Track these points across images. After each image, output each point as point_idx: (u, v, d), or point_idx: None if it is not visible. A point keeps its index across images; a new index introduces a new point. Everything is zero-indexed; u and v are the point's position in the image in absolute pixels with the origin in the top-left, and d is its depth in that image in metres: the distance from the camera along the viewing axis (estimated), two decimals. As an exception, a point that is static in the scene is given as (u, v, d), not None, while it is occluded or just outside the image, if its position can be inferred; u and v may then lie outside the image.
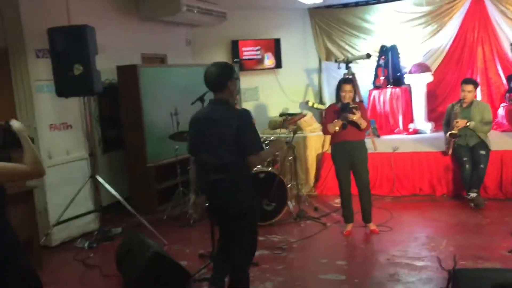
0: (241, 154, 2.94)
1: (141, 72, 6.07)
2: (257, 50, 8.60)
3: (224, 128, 2.95)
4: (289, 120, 5.86)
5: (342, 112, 4.76)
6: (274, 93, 8.78)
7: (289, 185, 5.59)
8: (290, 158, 5.86)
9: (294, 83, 8.94)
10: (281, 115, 7.14)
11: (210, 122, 3.03)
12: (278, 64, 8.72)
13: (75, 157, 5.44)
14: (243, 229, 3.07)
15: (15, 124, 2.26)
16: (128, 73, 6.09)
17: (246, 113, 3.05)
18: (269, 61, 8.69)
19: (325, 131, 4.93)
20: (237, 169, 2.97)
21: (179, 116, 5.89)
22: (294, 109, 8.49)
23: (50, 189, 5.11)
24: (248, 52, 8.55)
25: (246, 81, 8.35)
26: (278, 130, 6.79)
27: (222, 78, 3.06)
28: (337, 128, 4.76)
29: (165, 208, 6.05)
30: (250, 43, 8.57)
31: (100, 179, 5.21)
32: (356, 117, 4.67)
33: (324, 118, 4.93)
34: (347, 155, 4.83)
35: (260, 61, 8.64)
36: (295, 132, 5.49)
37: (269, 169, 5.34)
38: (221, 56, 8.46)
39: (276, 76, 8.79)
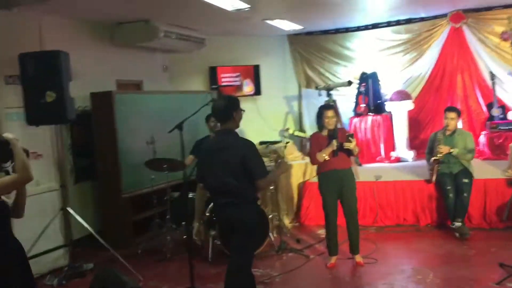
0: (249, 179, 3.30)
1: (116, 98, 6.01)
2: (236, 77, 8.62)
3: (230, 156, 3.32)
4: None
5: (330, 139, 4.77)
6: (253, 120, 8.74)
7: (270, 216, 5.55)
8: (271, 187, 5.83)
9: (273, 110, 8.96)
10: (261, 143, 7.12)
11: (218, 150, 3.39)
12: (257, 91, 8.75)
13: (45, 188, 5.30)
14: (250, 241, 3.48)
15: (8, 135, 2.65)
16: (102, 99, 6.02)
17: (250, 142, 3.42)
18: (248, 87, 8.71)
19: (313, 161, 4.88)
20: (242, 193, 3.34)
21: (156, 145, 5.83)
22: (273, 136, 8.50)
23: (18, 223, 4.92)
24: (226, 78, 8.57)
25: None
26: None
27: (229, 109, 3.44)
28: (326, 157, 4.75)
29: (141, 241, 5.91)
30: (228, 69, 8.60)
31: (71, 211, 5.07)
32: (352, 145, 4.70)
33: (310, 147, 4.89)
34: (337, 184, 4.83)
35: (239, 87, 8.65)
36: (276, 161, 5.46)
37: None
38: (199, 82, 8.45)
39: (256, 103, 8.81)
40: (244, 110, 3.59)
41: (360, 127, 8.25)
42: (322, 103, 7.15)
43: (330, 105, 4.98)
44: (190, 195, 5.39)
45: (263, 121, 8.80)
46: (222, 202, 3.40)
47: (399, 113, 7.98)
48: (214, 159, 3.41)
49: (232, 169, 3.31)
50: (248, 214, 3.37)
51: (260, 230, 3.75)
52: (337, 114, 4.93)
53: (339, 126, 5.62)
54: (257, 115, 8.82)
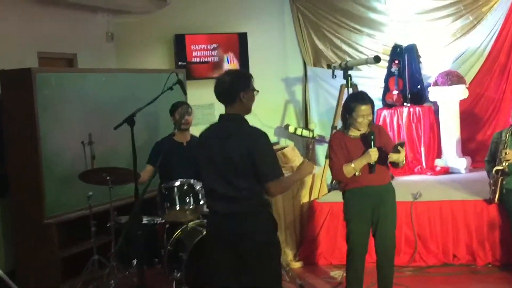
0: (257, 180, 3.58)
1: (38, 79, 5.94)
2: (212, 50, 8.58)
3: (233, 149, 3.60)
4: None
5: (365, 146, 4.72)
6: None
7: None
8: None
9: (267, 98, 8.83)
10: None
11: (219, 141, 3.68)
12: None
13: None
14: (268, 270, 3.70)
15: None
16: (17, 80, 5.96)
17: (260, 131, 3.67)
18: (230, 65, 8.67)
19: (339, 175, 4.83)
20: (252, 200, 3.64)
21: (95, 146, 5.79)
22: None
23: None
24: (199, 52, 8.52)
25: (196, 95, 8.28)
26: None
27: (235, 88, 3.68)
28: (358, 172, 4.72)
29: (72, 287, 5.86)
30: (202, 39, 8.55)
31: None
32: (402, 157, 4.67)
33: (332, 154, 4.83)
34: (371, 207, 4.82)
35: (218, 65, 8.61)
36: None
37: None
38: (159, 57, 8.39)
39: (241, 88, 8.76)
40: (257, 91, 3.79)
41: (391, 123, 8.26)
42: (337, 88, 7.16)
43: (366, 96, 4.88)
44: (145, 220, 5.36)
45: (252, 114, 8.74)
46: (223, 211, 3.69)
47: (448, 103, 7.98)
48: (213, 152, 3.70)
49: (237, 167, 3.59)
50: (262, 227, 3.66)
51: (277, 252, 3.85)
52: (373, 109, 4.87)
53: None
54: (243, 105, 8.79)
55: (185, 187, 5.25)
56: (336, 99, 7.50)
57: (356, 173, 4.72)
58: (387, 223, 4.89)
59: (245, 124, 3.73)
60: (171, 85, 4.93)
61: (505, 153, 5.69)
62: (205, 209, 5.31)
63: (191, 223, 5.32)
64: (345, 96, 7.03)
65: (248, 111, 3.81)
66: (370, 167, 4.70)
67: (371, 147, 4.67)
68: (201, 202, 5.23)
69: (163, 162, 5.69)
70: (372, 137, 4.69)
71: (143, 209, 5.25)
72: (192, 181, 5.26)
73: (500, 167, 5.73)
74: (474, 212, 6.21)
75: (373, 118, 4.90)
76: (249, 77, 3.83)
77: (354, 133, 4.83)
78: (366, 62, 7.43)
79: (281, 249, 4.11)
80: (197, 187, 5.24)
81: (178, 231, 5.28)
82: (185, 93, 5.42)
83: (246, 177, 3.60)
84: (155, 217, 5.50)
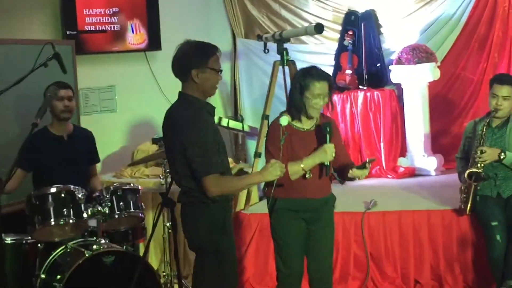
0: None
1: None
2: (112, 15, 8.39)
3: (171, 136, 4.18)
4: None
5: (319, 141, 4.66)
6: (146, 99, 8.64)
7: (163, 275, 5.62)
8: (167, 224, 5.81)
9: (184, 78, 8.87)
10: (154, 141, 6.99)
11: (167, 126, 4.25)
12: (154, 43, 8.62)
13: None
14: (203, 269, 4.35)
15: None
16: None
17: (194, 114, 4.09)
18: (136, 36, 8.54)
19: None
20: (193, 193, 4.18)
21: None
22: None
23: None
24: (94, 18, 8.31)
25: (91, 75, 8.14)
26: (146, 169, 6.81)
27: (185, 62, 4.12)
28: (308, 174, 4.65)
29: None
30: (98, 0, 8.36)
31: None
32: (365, 174, 4.70)
33: (273, 149, 4.71)
34: (306, 223, 4.81)
35: (119, 35, 8.44)
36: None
37: (125, 247, 5.24)
38: (40, 25, 8.17)
39: (150, 65, 8.72)
40: (220, 70, 4.21)
41: (343, 110, 8.30)
42: (271, 64, 7.07)
43: (321, 72, 4.77)
44: (10, 239, 5.21)
45: (164, 98, 8.67)
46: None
47: (414, 86, 8.04)
48: (165, 139, 4.36)
49: (179, 156, 4.13)
50: (194, 224, 4.30)
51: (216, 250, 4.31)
52: (331, 91, 4.79)
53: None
54: (153, 87, 8.71)
55: (63, 195, 5.08)
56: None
57: (307, 175, 4.67)
58: (326, 241, 4.90)
59: (186, 105, 4.16)
60: (45, 61, 4.83)
61: (480, 152, 5.70)
62: (91, 224, 5.23)
63: (71, 242, 5.19)
64: (280, 77, 7.02)
65: (206, 93, 4.22)
66: (322, 169, 4.65)
67: (326, 142, 4.59)
68: (84, 214, 5.10)
69: (36, 162, 5.56)
70: (328, 129, 4.62)
71: (11, 224, 5.16)
72: (72, 187, 5.12)
73: (473, 170, 5.73)
74: (442, 225, 6.24)
75: (331, 102, 4.82)
76: (209, 52, 4.15)
77: (303, 124, 4.77)
78: (306, 32, 7.32)
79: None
80: (79, 195, 5.10)
81: (55, 253, 5.15)
82: (64, 71, 5.27)
83: (185, 167, 4.12)
84: (25, 235, 5.33)
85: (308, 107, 4.67)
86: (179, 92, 4.25)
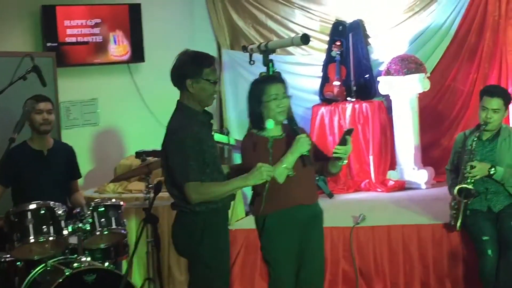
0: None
1: None
2: (93, 27, 8.40)
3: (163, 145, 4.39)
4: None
5: (290, 134, 4.66)
6: (129, 112, 8.64)
7: None
8: (149, 240, 5.80)
9: (168, 91, 8.74)
10: (137, 155, 7.02)
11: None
12: (137, 54, 8.66)
13: None
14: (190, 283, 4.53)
15: None
16: None
17: (180, 126, 4.27)
18: (118, 48, 8.56)
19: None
20: (176, 201, 4.41)
21: None
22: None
23: None
24: (75, 30, 8.33)
25: (72, 88, 8.15)
26: (129, 184, 6.81)
27: (181, 72, 4.31)
28: (291, 171, 4.59)
29: None
30: (79, 11, 8.36)
31: None
32: (349, 149, 4.63)
33: (247, 161, 4.69)
34: (298, 234, 4.76)
35: (101, 47, 8.46)
36: (159, 189, 5.32)
37: (106, 264, 5.20)
38: (19, 37, 8.18)
39: (134, 78, 8.73)
40: (215, 82, 4.36)
41: (330, 124, 8.31)
42: (255, 77, 7.06)
43: (275, 76, 4.97)
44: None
45: (147, 111, 8.68)
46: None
47: (404, 98, 8.08)
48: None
49: (164, 165, 4.44)
50: (175, 232, 4.52)
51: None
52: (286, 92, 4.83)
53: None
54: (136, 100, 8.72)
55: (42, 211, 5.06)
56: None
57: (290, 173, 4.61)
58: (315, 258, 4.85)
59: (178, 115, 4.39)
60: (24, 73, 4.86)
61: (470, 167, 5.72)
62: (72, 241, 5.23)
63: (51, 260, 5.18)
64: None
65: (201, 103, 4.37)
66: (304, 159, 4.60)
67: (298, 134, 4.60)
68: (65, 231, 5.09)
69: (15, 178, 5.58)
70: (294, 122, 4.69)
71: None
72: (52, 203, 5.11)
73: (463, 186, 5.74)
74: (432, 239, 6.26)
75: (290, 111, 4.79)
76: (205, 63, 4.29)
77: (272, 132, 4.72)
78: (292, 42, 7.34)
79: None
80: (59, 211, 5.09)
81: (34, 271, 5.14)
82: (43, 84, 5.30)
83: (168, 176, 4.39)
84: (3, 252, 5.32)
85: (271, 112, 4.65)
86: (177, 101, 4.45)
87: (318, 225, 4.91)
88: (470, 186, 5.71)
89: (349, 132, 4.74)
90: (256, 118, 4.74)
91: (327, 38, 8.71)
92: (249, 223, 6.73)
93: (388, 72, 8.15)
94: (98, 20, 8.47)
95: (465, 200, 5.79)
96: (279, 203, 4.69)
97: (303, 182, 4.72)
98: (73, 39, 8.35)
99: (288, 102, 4.72)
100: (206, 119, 4.47)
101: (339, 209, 6.94)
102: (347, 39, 8.53)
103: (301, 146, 4.54)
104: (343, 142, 4.64)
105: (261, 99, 4.67)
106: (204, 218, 4.35)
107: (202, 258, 4.36)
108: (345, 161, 4.74)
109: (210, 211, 4.36)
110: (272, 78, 5.08)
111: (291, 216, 4.72)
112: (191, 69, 4.28)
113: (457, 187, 5.77)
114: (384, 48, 8.58)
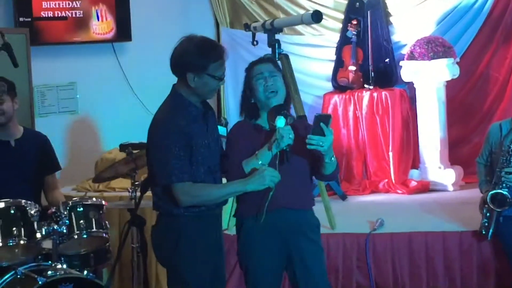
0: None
1: None
2: (72, 0, 8.38)
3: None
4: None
5: (272, 120, 4.51)
6: (113, 98, 8.64)
7: None
8: (135, 245, 5.80)
9: (159, 76, 8.73)
10: (122, 147, 6.98)
11: None
12: (123, 33, 8.67)
13: None
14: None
15: None
16: None
17: (163, 117, 4.26)
18: (102, 24, 8.54)
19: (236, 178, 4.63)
20: (160, 201, 4.39)
21: None
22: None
23: None
24: (52, 3, 8.31)
25: (48, 69, 8.14)
26: (112, 181, 6.84)
27: (182, 62, 4.20)
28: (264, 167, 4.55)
29: None
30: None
31: None
32: (329, 141, 4.46)
33: (231, 152, 4.64)
34: (280, 243, 4.71)
35: (81, 23, 8.46)
36: (146, 188, 5.30)
37: (85, 272, 5.16)
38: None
39: (119, 60, 8.73)
40: (221, 78, 4.26)
41: (345, 114, 8.32)
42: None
43: (264, 56, 4.90)
44: None
45: (134, 97, 8.67)
46: None
47: (429, 86, 8.06)
48: None
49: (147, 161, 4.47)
50: (156, 234, 4.48)
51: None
52: (283, 74, 4.80)
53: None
54: (121, 84, 8.75)
55: (12, 211, 5.04)
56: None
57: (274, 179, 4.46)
58: (310, 274, 4.71)
59: (167, 103, 4.34)
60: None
61: (506, 173, 5.71)
62: (45, 246, 5.19)
63: (22, 267, 5.11)
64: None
65: (200, 96, 4.30)
66: (282, 154, 4.46)
67: (282, 126, 4.46)
68: (38, 234, 5.04)
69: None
70: (280, 107, 4.56)
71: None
72: (23, 202, 5.07)
73: (498, 191, 5.74)
74: (460, 249, 6.27)
75: (288, 99, 4.78)
76: (212, 56, 4.14)
77: (264, 121, 4.69)
78: (301, 20, 7.25)
79: None
80: (32, 211, 5.04)
81: (2, 280, 5.09)
82: (15, 64, 5.26)
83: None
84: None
85: (257, 94, 4.64)
86: (173, 85, 4.35)
87: (314, 231, 4.79)
88: (505, 192, 5.72)
89: (321, 118, 4.53)
90: (247, 106, 4.80)
91: (342, 16, 8.68)
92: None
93: (411, 56, 8.12)
94: (78, -7, 8.45)
95: (499, 210, 5.78)
96: (254, 208, 4.63)
97: (287, 182, 4.53)
98: (50, 14, 8.32)
99: (278, 82, 4.64)
100: (199, 113, 4.32)
101: (354, 213, 6.94)
102: (365, 17, 8.45)
103: (280, 138, 4.39)
104: (316, 130, 4.46)
105: (250, 82, 4.72)
106: (179, 222, 4.31)
107: (178, 270, 4.37)
108: (330, 168, 4.64)
109: (190, 215, 4.30)
110: (261, 58, 4.93)
111: (272, 220, 4.61)
112: (196, 62, 4.14)
113: (490, 192, 5.76)
114: (407, 28, 8.55)
